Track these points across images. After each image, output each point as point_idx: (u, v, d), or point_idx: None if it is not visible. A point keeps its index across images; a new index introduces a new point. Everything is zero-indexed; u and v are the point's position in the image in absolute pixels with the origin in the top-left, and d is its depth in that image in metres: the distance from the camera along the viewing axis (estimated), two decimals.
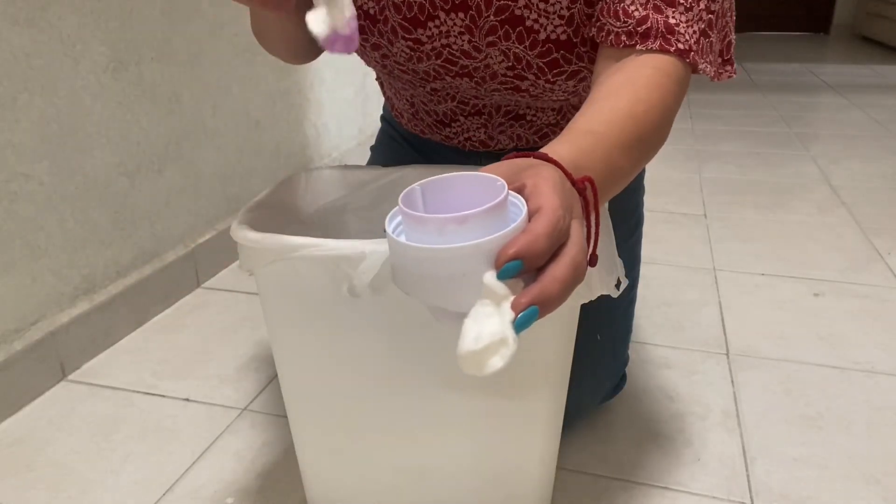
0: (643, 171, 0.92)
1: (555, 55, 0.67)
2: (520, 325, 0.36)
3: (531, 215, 0.38)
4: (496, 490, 0.69)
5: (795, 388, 0.99)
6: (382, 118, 0.99)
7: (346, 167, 0.77)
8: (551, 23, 0.65)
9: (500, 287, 0.35)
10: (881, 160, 2.12)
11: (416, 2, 0.67)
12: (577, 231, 0.39)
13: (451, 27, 0.68)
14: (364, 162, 0.97)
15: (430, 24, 0.68)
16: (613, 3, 0.59)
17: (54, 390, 1.02)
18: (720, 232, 1.59)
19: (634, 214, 0.90)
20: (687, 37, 0.57)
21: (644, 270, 1.37)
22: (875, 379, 1.01)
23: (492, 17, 0.67)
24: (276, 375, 1.05)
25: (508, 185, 0.40)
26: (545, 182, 0.39)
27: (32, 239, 0.99)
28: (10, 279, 0.97)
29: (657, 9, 0.57)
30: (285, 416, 0.95)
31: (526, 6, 0.65)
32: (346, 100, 2.03)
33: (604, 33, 0.60)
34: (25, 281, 0.99)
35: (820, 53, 4.46)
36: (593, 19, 0.62)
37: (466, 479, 0.69)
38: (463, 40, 0.69)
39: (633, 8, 0.58)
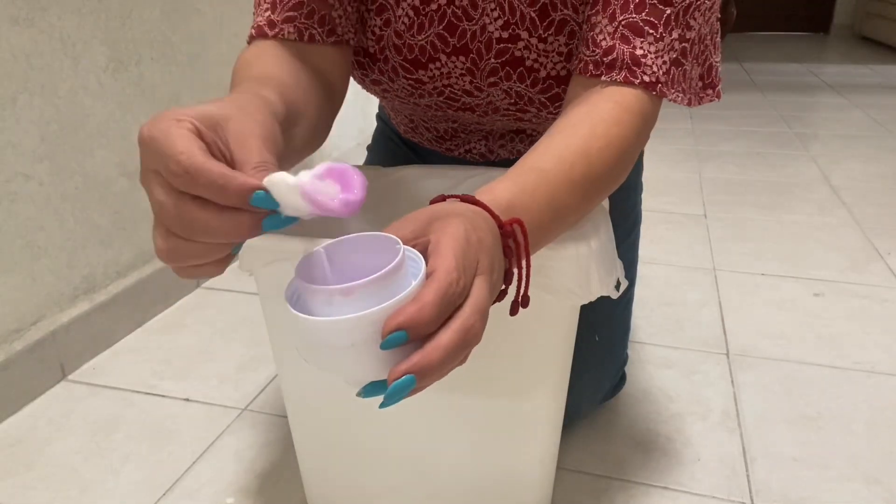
0: (640, 168, 0.92)
1: (556, 90, 0.67)
2: (390, 396, 0.35)
3: (428, 275, 0.37)
4: (496, 490, 0.69)
5: (795, 388, 0.99)
6: (378, 117, 0.98)
7: None
8: (550, 60, 0.65)
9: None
10: (881, 160, 2.12)
11: (416, 44, 0.67)
12: (477, 289, 0.38)
13: (453, 69, 0.68)
14: (363, 162, 0.97)
15: (432, 65, 0.68)
16: (587, 32, 0.59)
17: (54, 390, 1.02)
18: (720, 232, 1.59)
19: (632, 214, 0.90)
20: (655, 68, 0.56)
21: (644, 270, 1.37)
22: (875, 379, 1.01)
23: (493, 60, 0.66)
24: (276, 375, 1.05)
25: (416, 239, 0.39)
26: (447, 240, 0.38)
27: (32, 239, 0.99)
28: (10, 279, 0.97)
29: (625, 39, 0.56)
30: (285, 416, 0.95)
31: (526, 47, 0.65)
32: (346, 100, 2.02)
33: (576, 61, 0.59)
34: (25, 281, 0.99)
35: (820, 53, 4.46)
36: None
37: (466, 479, 0.69)
38: (464, 81, 0.69)
39: (601, 37, 0.57)
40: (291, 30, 0.61)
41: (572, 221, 0.53)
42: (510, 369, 0.62)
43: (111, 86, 1.10)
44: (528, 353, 0.61)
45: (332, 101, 0.64)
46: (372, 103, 2.18)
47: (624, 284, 0.61)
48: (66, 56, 1.01)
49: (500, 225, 0.43)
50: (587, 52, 0.57)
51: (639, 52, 0.55)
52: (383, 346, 0.35)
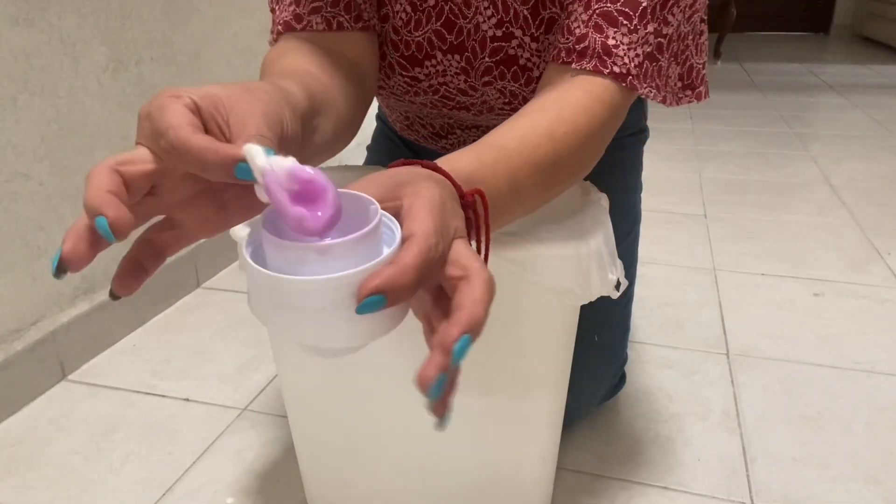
0: (640, 168, 0.92)
1: None
2: (458, 355, 0.33)
3: (404, 240, 0.35)
4: (496, 490, 0.69)
5: (795, 388, 0.99)
6: (378, 117, 0.99)
7: (347, 167, 0.77)
8: (543, 60, 0.65)
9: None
10: (881, 160, 2.12)
11: (413, 41, 0.67)
12: (462, 249, 0.36)
13: (448, 67, 0.68)
14: (363, 162, 0.97)
15: (427, 63, 0.69)
16: (563, 20, 0.58)
17: (54, 390, 1.02)
18: (720, 232, 1.59)
19: (631, 213, 0.90)
20: (626, 60, 0.55)
21: (644, 270, 1.37)
22: (875, 379, 1.01)
23: (487, 59, 0.67)
24: (276, 375, 1.05)
25: (386, 201, 0.37)
26: (421, 203, 0.36)
27: (32, 239, 0.99)
28: (10, 279, 0.97)
29: (598, 28, 0.55)
30: (285, 416, 0.95)
31: (519, 45, 0.65)
32: None
33: (552, 48, 0.59)
34: (25, 281, 0.99)
35: (820, 53, 4.46)
36: None
37: (466, 479, 0.69)
38: (459, 80, 0.69)
39: (575, 25, 0.56)
40: (319, 20, 0.60)
41: (533, 204, 0.52)
42: (510, 369, 0.62)
43: (111, 86, 1.10)
44: (528, 353, 0.61)
45: (363, 89, 0.62)
46: (372, 104, 2.18)
47: (624, 284, 0.60)
48: (66, 56, 1.01)
49: (462, 195, 0.42)
50: (561, 40, 0.57)
51: (611, 41, 0.55)
52: (359, 311, 0.33)
